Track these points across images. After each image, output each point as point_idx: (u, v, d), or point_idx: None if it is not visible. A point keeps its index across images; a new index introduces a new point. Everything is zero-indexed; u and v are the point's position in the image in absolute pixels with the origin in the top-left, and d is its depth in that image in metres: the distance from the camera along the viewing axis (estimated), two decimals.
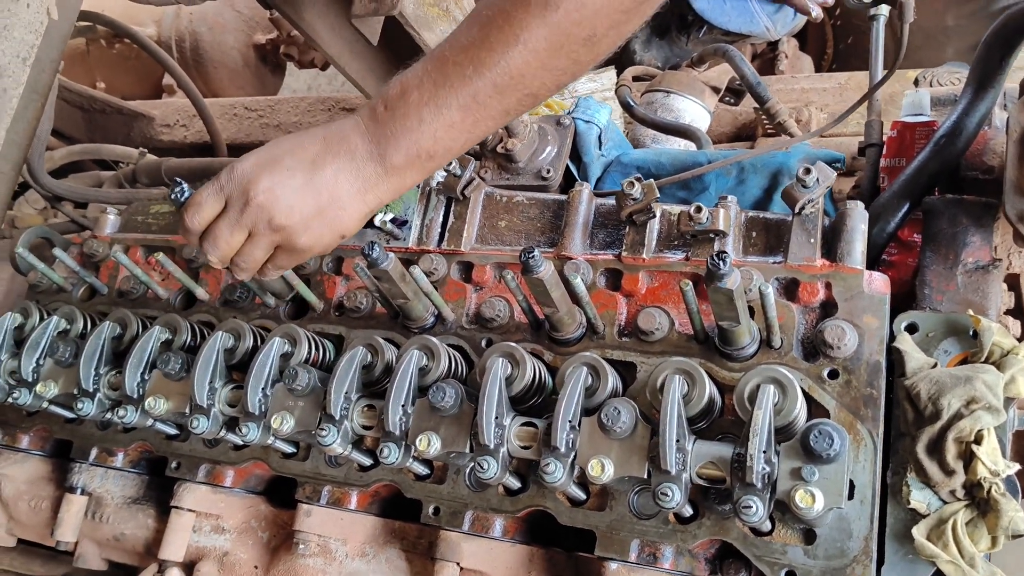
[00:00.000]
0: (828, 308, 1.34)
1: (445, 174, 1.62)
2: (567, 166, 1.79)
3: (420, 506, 1.49)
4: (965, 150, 1.49)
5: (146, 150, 3.33)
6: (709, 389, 1.26)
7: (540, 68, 1.26)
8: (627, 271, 1.47)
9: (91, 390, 1.62)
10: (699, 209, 1.37)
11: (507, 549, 1.44)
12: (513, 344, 1.39)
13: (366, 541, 1.56)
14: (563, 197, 1.61)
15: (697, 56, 2.34)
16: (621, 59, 3.33)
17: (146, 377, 1.59)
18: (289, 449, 1.60)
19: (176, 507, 1.64)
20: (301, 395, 1.45)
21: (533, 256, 1.29)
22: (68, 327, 1.78)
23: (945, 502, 1.27)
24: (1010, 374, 1.28)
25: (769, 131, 2.36)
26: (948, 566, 1.24)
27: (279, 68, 4.29)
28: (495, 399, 1.30)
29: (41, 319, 1.83)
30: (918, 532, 1.26)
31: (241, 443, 1.63)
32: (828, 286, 1.34)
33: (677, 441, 1.19)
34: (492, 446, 1.29)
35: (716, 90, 2.41)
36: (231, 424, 1.56)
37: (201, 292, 1.78)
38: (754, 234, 1.44)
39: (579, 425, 1.27)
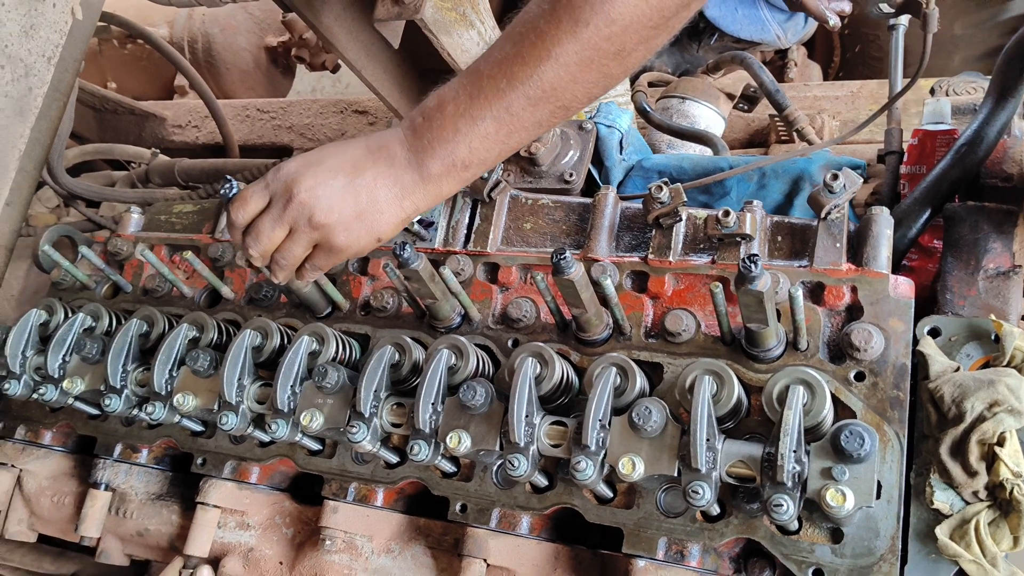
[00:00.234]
0: (854, 312, 1.37)
1: None
2: (589, 170, 1.82)
3: (446, 504, 1.51)
4: (986, 158, 1.51)
5: (158, 151, 3.35)
6: (738, 389, 1.29)
7: (571, 81, 1.30)
8: (653, 273, 1.49)
9: (118, 386, 1.64)
10: (727, 213, 1.40)
11: (533, 546, 1.46)
12: (542, 344, 1.41)
13: (392, 538, 1.58)
14: (588, 200, 1.64)
15: (713, 63, 2.36)
16: None
17: (174, 374, 1.61)
18: (315, 446, 1.62)
19: (202, 503, 1.66)
20: (330, 392, 1.47)
21: (565, 257, 1.31)
22: (94, 324, 1.80)
23: (968, 503, 1.29)
24: None
25: (783, 138, 2.39)
26: (970, 565, 1.26)
27: (289, 70, 4.31)
28: (525, 397, 1.32)
29: (66, 316, 1.85)
30: (941, 532, 1.28)
31: (268, 440, 1.64)
32: (854, 290, 1.36)
33: (707, 440, 1.21)
34: (523, 444, 1.31)
35: (731, 97, 2.44)
36: (258, 421, 1.59)
37: (227, 291, 1.80)
38: (779, 238, 1.47)
39: (609, 424, 1.29)
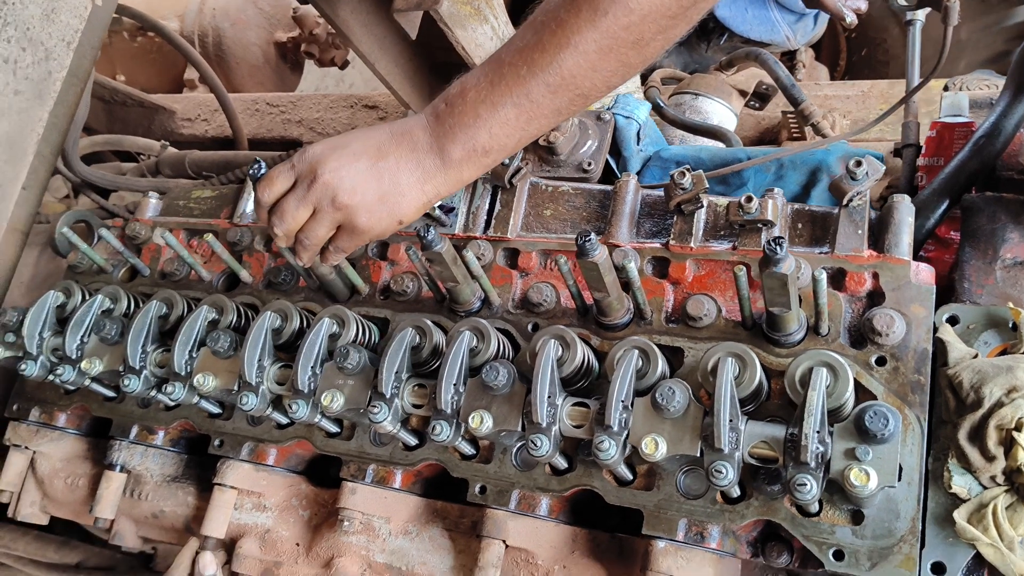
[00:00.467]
0: (875, 297, 1.38)
1: None
2: (606, 160, 1.83)
3: (463, 487, 1.52)
4: (1003, 150, 1.53)
5: (167, 143, 3.36)
6: (760, 372, 1.30)
7: (590, 70, 1.33)
8: (674, 259, 1.51)
9: (137, 367, 1.65)
10: (749, 199, 1.41)
11: (552, 528, 1.47)
12: (563, 327, 1.42)
13: (409, 520, 1.58)
14: (608, 187, 1.65)
15: (726, 59, 2.38)
16: None
17: (194, 355, 1.61)
18: (333, 428, 1.62)
19: (219, 484, 1.67)
20: (351, 374, 1.47)
21: (590, 239, 1.33)
22: (112, 306, 1.81)
23: (985, 487, 1.30)
24: None
25: (795, 134, 2.41)
26: (988, 549, 1.28)
27: (298, 66, 4.33)
28: (548, 378, 1.33)
29: (83, 299, 1.86)
30: (959, 516, 1.29)
31: (287, 421, 1.65)
32: (875, 276, 1.38)
33: (730, 420, 1.22)
34: (544, 424, 1.32)
35: (743, 94, 2.46)
36: (277, 402, 1.59)
37: (245, 274, 1.81)
38: (800, 225, 1.48)
39: (632, 405, 1.30)
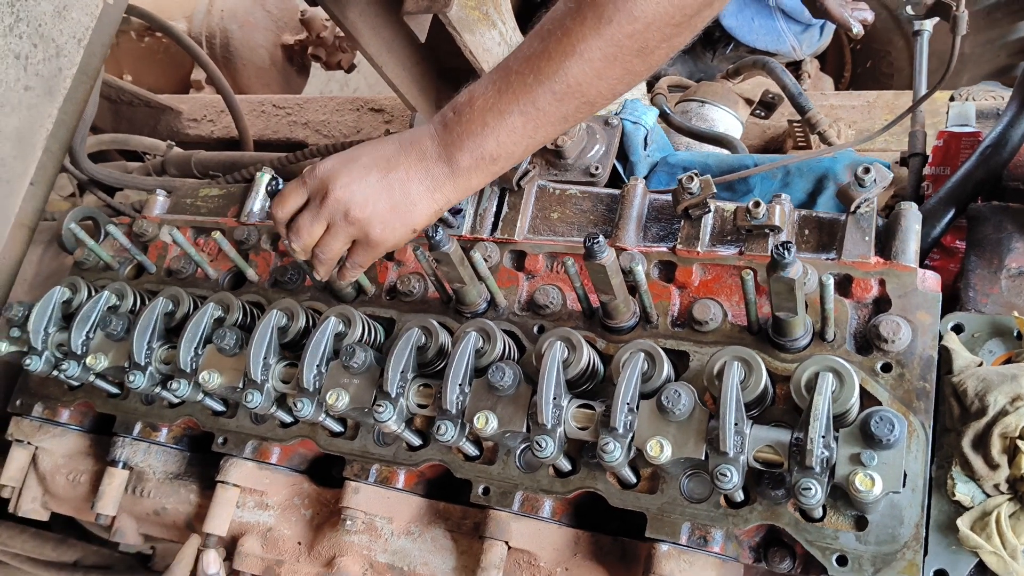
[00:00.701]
0: (881, 304, 1.38)
1: None
2: (614, 165, 1.84)
3: (466, 488, 1.52)
4: (1009, 160, 1.54)
5: (173, 143, 3.37)
6: (765, 377, 1.30)
7: (596, 77, 1.34)
8: (681, 264, 1.51)
9: (143, 363, 1.65)
10: (757, 204, 1.42)
11: (555, 531, 1.47)
12: (570, 329, 1.42)
13: (412, 520, 1.59)
14: (616, 191, 1.66)
15: (733, 68, 2.39)
16: None
17: (199, 352, 1.62)
18: (337, 428, 1.63)
19: (222, 482, 1.67)
20: (357, 373, 1.48)
21: (598, 241, 1.33)
22: (118, 303, 1.81)
23: (989, 495, 1.30)
24: None
25: (800, 144, 2.42)
26: (990, 557, 1.28)
27: (304, 69, 4.34)
28: (553, 380, 1.33)
29: (89, 295, 1.86)
30: (962, 523, 1.29)
31: (291, 420, 1.65)
32: (882, 283, 1.38)
33: (736, 424, 1.23)
34: (550, 426, 1.32)
35: (749, 102, 2.47)
36: (281, 401, 1.60)
37: (251, 273, 1.82)
38: (807, 231, 1.49)
39: (637, 407, 1.30)
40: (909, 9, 1.80)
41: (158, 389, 1.67)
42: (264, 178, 1.96)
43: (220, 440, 1.72)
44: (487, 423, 1.37)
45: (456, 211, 1.73)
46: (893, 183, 1.91)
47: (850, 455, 1.18)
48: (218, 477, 1.68)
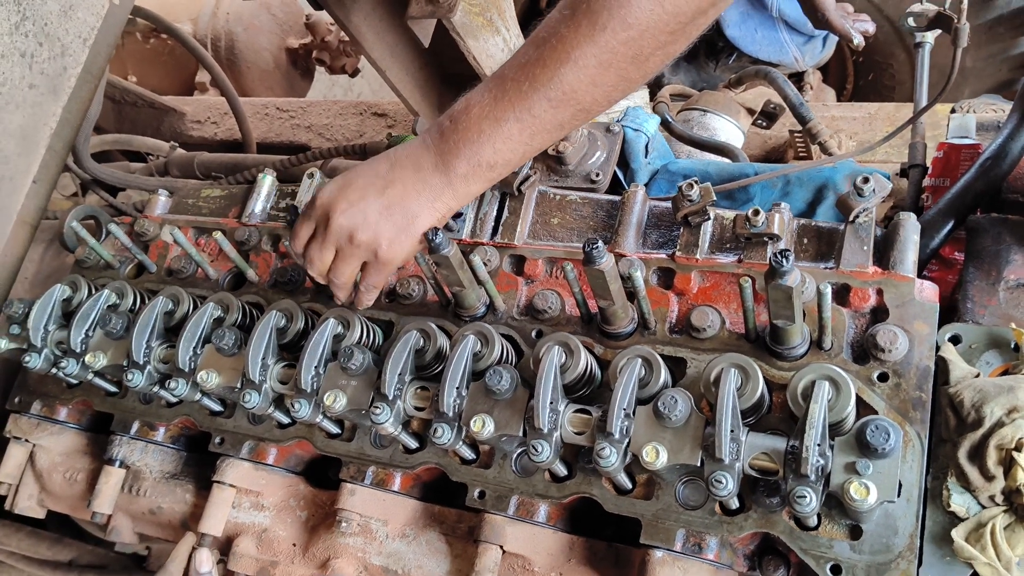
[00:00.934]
0: (878, 314, 1.39)
1: None
2: (614, 171, 1.84)
3: (462, 492, 1.52)
4: (1009, 172, 1.54)
5: (176, 144, 3.38)
6: (762, 384, 1.30)
7: (590, 84, 1.34)
8: (680, 270, 1.51)
9: (141, 362, 1.65)
10: (756, 212, 1.42)
11: (549, 535, 1.47)
12: (567, 334, 1.42)
13: (407, 523, 1.59)
14: (616, 198, 1.66)
15: (736, 77, 2.40)
16: (649, 81, 3.41)
17: (198, 351, 1.62)
18: (334, 429, 1.63)
19: (218, 482, 1.67)
20: (354, 374, 1.48)
21: (597, 247, 1.33)
22: (118, 301, 1.82)
23: (984, 507, 1.30)
24: None
25: (801, 154, 2.42)
26: (985, 568, 1.27)
27: (308, 73, 4.36)
28: (551, 384, 1.34)
29: (89, 293, 1.87)
30: (957, 534, 1.29)
31: (288, 421, 1.66)
32: (879, 292, 1.39)
33: (732, 431, 1.23)
34: (546, 430, 1.32)
35: (751, 112, 2.47)
36: (279, 402, 1.60)
37: (252, 274, 1.82)
38: (805, 240, 1.49)
39: (633, 413, 1.31)
40: (910, 21, 1.81)
41: (156, 388, 1.67)
42: (266, 180, 1.97)
43: (217, 440, 1.72)
44: (484, 426, 1.37)
45: (457, 215, 1.73)
46: (893, 194, 1.91)
47: (845, 464, 1.19)
48: (214, 477, 1.68)
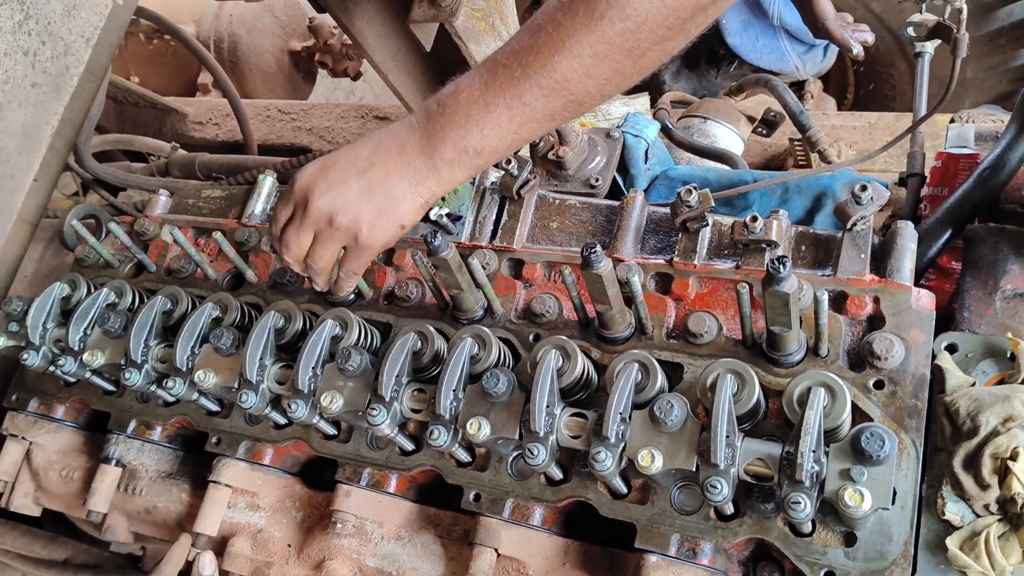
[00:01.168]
0: (875, 321, 1.39)
1: (502, 173, 1.68)
2: (614, 177, 1.85)
3: (457, 494, 1.52)
4: (1007, 182, 1.55)
5: (178, 145, 3.39)
6: (758, 390, 1.31)
7: (584, 75, 1.31)
8: (678, 276, 1.52)
9: (139, 361, 1.65)
10: (755, 219, 1.42)
11: (544, 539, 1.47)
12: (565, 338, 1.42)
13: (402, 525, 1.59)
14: (615, 203, 1.67)
15: (736, 85, 2.41)
16: (650, 88, 3.42)
17: (196, 351, 1.62)
18: (331, 430, 1.63)
19: (214, 481, 1.67)
20: (352, 376, 1.48)
21: (595, 251, 1.34)
22: (117, 300, 1.82)
23: (979, 515, 1.30)
24: None
25: (801, 162, 2.43)
26: None
27: (311, 75, 4.37)
28: (547, 388, 1.34)
29: (89, 292, 1.87)
30: (951, 543, 1.29)
31: (285, 421, 1.66)
32: (876, 300, 1.39)
33: (727, 436, 1.23)
34: (542, 433, 1.33)
35: (751, 120, 2.48)
36: (276, 402, 1.60)
37: (251, 274, 1.83)
38: (803, 247, 1.50)
39: (629, 418, 1.31)
40: (910, 30, 1.82)
41: (153, 387, 1.67)
42: (267, 181, 1.97)
43: (214, 440, 1.72)
44: (480, 429, 1.37)
45: (456, 218, 1.74)
46: (891, 203, 1.92)
47: (840, 470, 1.19)
48: (210, 477, 1.68)
